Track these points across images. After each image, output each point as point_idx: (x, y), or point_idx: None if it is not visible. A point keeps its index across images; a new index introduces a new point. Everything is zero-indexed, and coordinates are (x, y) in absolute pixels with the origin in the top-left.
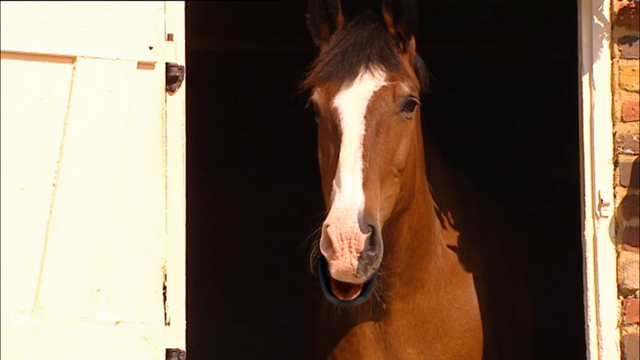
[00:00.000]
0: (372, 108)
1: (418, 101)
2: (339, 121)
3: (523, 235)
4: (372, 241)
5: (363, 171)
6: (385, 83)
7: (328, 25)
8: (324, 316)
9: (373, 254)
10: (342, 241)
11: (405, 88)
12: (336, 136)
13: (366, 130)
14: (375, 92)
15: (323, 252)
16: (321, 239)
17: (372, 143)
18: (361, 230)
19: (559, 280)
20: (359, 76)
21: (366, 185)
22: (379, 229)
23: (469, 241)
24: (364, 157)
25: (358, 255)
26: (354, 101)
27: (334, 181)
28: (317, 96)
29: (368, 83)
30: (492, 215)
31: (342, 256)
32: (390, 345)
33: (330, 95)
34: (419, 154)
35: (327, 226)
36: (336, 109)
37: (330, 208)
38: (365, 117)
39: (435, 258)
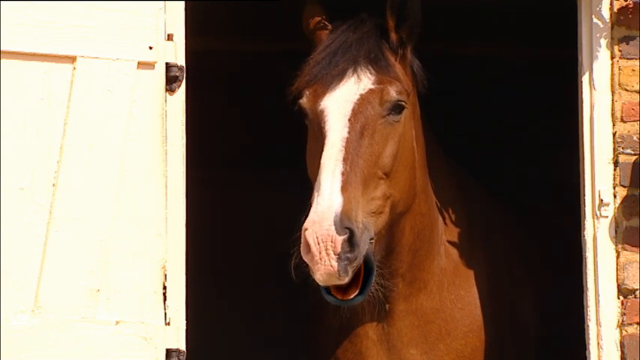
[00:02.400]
0: (357, 111)
1: (406, 105)
2: (324, 123)
3: (524, 235)
4: (350, 243)
5: (343, 174)
6: (372, 86)
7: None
8: (327, 317)
9: (352, 256)
10: (318, 244)
11: (392, 92)
12: (321, 138)
13: (349, 133)
14: (361, 95)
15: (304, 258)
16: (301, 243)
17: (355, 146)
18: (337, 233)
19: (560, 280)
20: (346, 78)
21: (345, 188)
22: (359, 231)
23: (472, 241)
24: (345, 160)
25: (337, 257)
26: (339, 104)
27: (315, 184)
28: (305, 99)
29: (355, 86)
30: (495, 215)
31: (320, 260)
32: (393, 345)
33: (317, 97)
34: (420, 154)
35: (305, 229)
36: (322, 112)
37: (308, 212)
38: (349, 120)
39: (438, 258)
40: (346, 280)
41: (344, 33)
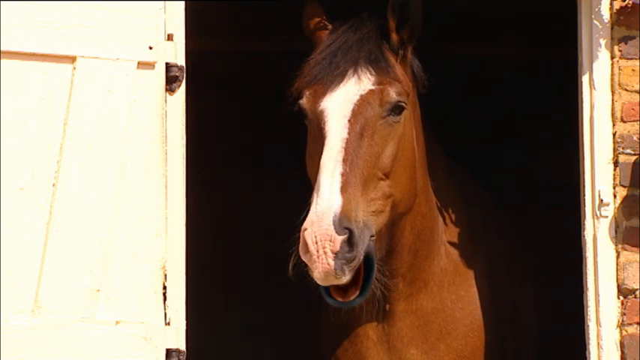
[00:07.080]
0: (357, 112)
1: (406, 106)
2: (324, 124)
3: (525, 235)
4: (349, 243)
5: (343, 175)
6: (372, 87)
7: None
8: (327, 317)
9: (350, 255)
10: (316, 243)
11: (392, 92)
12: (321, 139)
13: (349, 133)
14: (361, 96)
15: (302, 257)
16: (300, 243)
17: (354, 147)
18: (336, 232)
19: (560, 281)
20: (346, 79)
21: (344, 189)
22: (358, 231)
23: (472, 241)
24: (345, 160)
25: (334, 255)
26: (339, 104)
27: (315, 185)
28: (304, 99)
29: (355, 86)
30: (495, 215)
31: (318, 258)
32: (394, 346)
33: (317, 98)
34: (420, 154)
35: (304, 229)
36: (322, 112)
37: (308, 212)
38: (349, 120)
39: (438, 258)
40: (344, 279)
41: (344, 33)
